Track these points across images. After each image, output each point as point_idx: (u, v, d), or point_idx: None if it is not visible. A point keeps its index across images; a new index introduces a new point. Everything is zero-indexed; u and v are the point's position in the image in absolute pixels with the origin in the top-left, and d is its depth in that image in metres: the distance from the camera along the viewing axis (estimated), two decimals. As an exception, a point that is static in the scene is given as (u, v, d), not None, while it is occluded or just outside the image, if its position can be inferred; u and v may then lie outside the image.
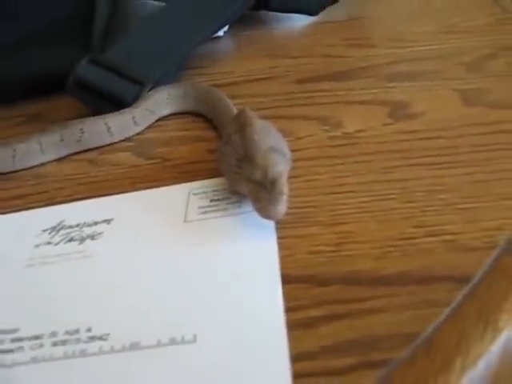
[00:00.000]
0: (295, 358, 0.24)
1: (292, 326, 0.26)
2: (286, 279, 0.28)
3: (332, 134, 0.39)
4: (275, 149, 0.32)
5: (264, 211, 0.30)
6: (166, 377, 0.24)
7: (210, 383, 0.24)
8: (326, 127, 0.40)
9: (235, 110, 0.41)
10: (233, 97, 0.44)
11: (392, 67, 0.46)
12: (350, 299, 0.27)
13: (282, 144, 0.33)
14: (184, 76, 0.49)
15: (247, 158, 0.31)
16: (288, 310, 0.26)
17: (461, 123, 0.38)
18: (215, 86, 0.48)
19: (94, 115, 0.43)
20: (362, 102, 0.42)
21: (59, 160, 0.41)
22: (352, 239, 0.30)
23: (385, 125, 0.39)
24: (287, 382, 0.23)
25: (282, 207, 0.29)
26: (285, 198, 0.30)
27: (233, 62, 0.52)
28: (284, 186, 0.30)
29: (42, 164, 0.41)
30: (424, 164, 0.35)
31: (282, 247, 0.30)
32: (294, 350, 0.24)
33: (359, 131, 0.39)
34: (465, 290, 0.26)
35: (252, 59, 0.52)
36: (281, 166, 0.31)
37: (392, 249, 0.29)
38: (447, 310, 0.25)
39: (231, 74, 0.50)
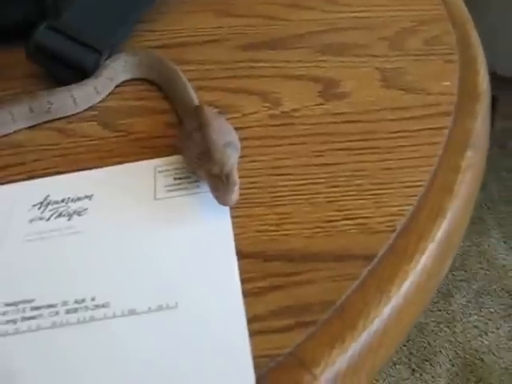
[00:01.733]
0: (249, 320, 0.38)
1: (246, 295, 0.39)
2: (240, 255, 0.41)
3: (272, 112, 0.51)
4: (228, 143, 0.44)
5: (221, 199, 0.42)
6: (157, 337, 0.37)
7: (187, 340, 0.37)
8: (267, 104, 0.51)
9: (190, 88, 0.51)
10: (181, 62, 0.55)
11: (324, 37, 0.57)
12: (287, 273, 0.40)
13: (234, 137, 0.45)
14: (132, 32, 0.58)
15: (206, 153, 0.43)
16: (242, 281, 0.39)
17: (379, 107, 0.50)
18: (163, 46, 0.58)
19: (48, 75, 0.53)
20: (297, 77, 0.54)
21: (30, 128, 0.51)
22: (289, 220, 0.43)
23: (317, 105, 0.51)
24: (245, 340, 0.36)
25: (235, 196, 0.42)
26: (237, 188, 0.42)
27: (179, 17, 0.61)
28: (236, 178, 0.42)
29: (15, 132, 0.51)
30: (347, 149, 0.47)
31: (235, 226, 0.43)
32: (248, 313, 0.38)
33: (295, 110, 0.51)
34: (368, 268, 0.40)
35: (197, 14, 0.61)
36: (233, 159, 0.43)
37: (319, 229, 0.42)
38: (355, 283, 0.39)
39: (178, 32, 0.59)
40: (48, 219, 0.44)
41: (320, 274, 0.40)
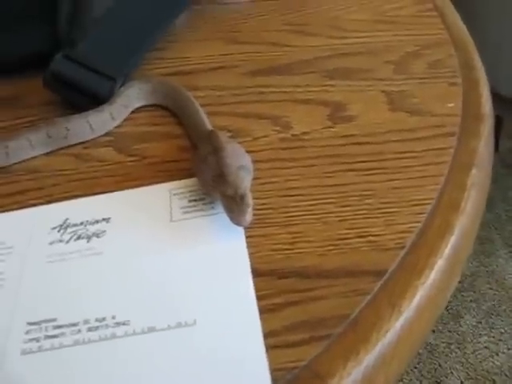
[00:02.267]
0: (265, 336, 0.39)
1: (261, 311, 0.41)
2: (255, 273, 0.43)
3: (282, 135, 0.53)
4: (242, 167, 0.46)
5: (236, 219, 0.44)
6: (176, 353, 0.39)
7: (207, 357, 0.39)
8: (278, 128, 0.54)
9: (202, 113, 0.53)
10: (192, 88, 0.57)
11: (330, 62, 0.60)
12: (302, 289, 0.42)
13: (247, 160, 0.47)
14: (143, 61, 0.61)
15: (221, 176, 0.45)
16: (258, 298, 0.41)
17: (386, 129, 0.53)
18: (174, 73, 0.60)
19: (65, 102, 0.55)
20: (306, 101, 0.56)
21: (47, 154, 0.53)
22: (302, 239, 0.45)
23: (325, 128, 0.53)
24: (262, 354, 0.38)
25: (249, 217, 0.44)
26: (251, 209, 0.44)
27: (188, 46, 0.64)
28: (250, 199, 0.44)
29: (33, 158, 0.53)
30: (357, 170, 0.49)
31: (249, 245, 0.45)
32: (264, 329, 0.40)
33: (305, 133, 0.53)
34: (380, 283, 0.42)
35: (205, 43, 0.64)
36: (246, 181, 0.45)
37: (331, 247, 0.44)
38: (368, 298, 0.41)
39: (188, 60, 0.62)
40: (68, 242, 0.46)
41: (333, 289, 0.42)
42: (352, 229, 0.45)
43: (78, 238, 0.46)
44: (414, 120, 0.53)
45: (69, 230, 0.47)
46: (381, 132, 0.53)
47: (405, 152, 0.51)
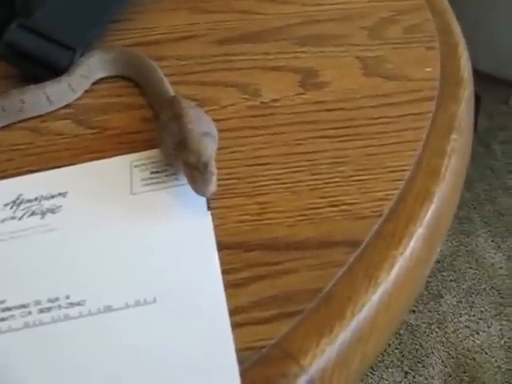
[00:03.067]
0: (231, 312, 0.35)
1: (228, 286, 0.36)
2: (220, 246, 0.38)
3: (251, 103, 0.48)
4: (206, 133, 0.41)
5: (199, 190, 0.39)
6: (135, 333, 0.34)
7: (167, 335, 0.34)
8: (246, 96, 0.49)
9: (166, 82, 0.49)
10: (157, 58, 0.52)
11: (303, 29, 0.55)
12: (270, 262, 0.37)
13: (211, 127, 0.42)
14: (107, 31, 0.56)
15: (183, 143, 0.40)
16: (223, 272, 0.37)
17: (360, 94, 0.48)
18: (139, 44, 0.55)
19: (23, 75, 0.50)
20: (276, 68, 0.51)
21: (2, 128, 0.49)
22: (271, 209, 0.40)
23: (296, 94, 0.49)
24: (228, 333, 0.34)
25: (212, 186, 0.39)
26: (215, 178, 0.39)
27: (154, 16, 0.59)
28: (214, 168, 0.40)
29: (-14, 132, 0.48)
30: (329, 136, 0.45)
31: (214, 217, 0.40)
32: (230, 305, 0.35)
33: (275, 100, 0.48)
34: (355, 254, 0.37)
35: (172, 12, 0.59)
36: (210, 149, 0.41)
37: (302, 217, 0.40)
38: (342, 270, 0.37)
39: (153, 30, 0.57)
40: (20, 218, 0.42)
41: (305, 262, 0.37)
42: (324, 197, 0.41)
43: (32, 214, 0.42)
44: (389, 85, 0.49)
45: (22, 206, 0.42)
46: (354, 98, 0.48)
47: (379, 118, 0.46)
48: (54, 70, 0.51)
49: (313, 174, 0.42)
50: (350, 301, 0.36)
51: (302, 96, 0.49)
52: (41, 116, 0.49)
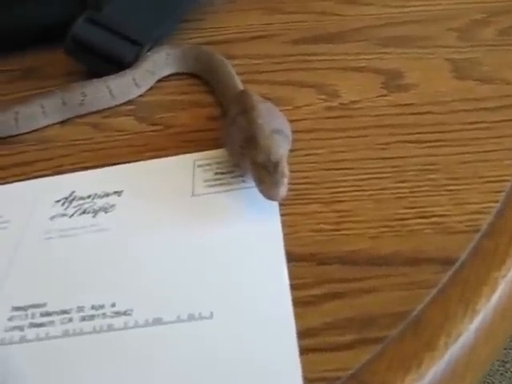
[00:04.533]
0: (300, 335, 0.28)
1: (297, 304, 0.30)
2: (290, 257, 0.32)
3: (329, 104, 0.42)
4: (277, 131, 0.35)
5: (267, 192, 0.33)
6: (186, 351, 0.28)
7: (225, 357, 0.28)
8: (323, 96, 0.43)
9: (236, 77, 0.43)
10: (228, 57, 0.47)
11: (384, 30, 0.49)
12: (348, 278, 0.31)
13: (284, 124, 0.36)
14: (177, 31, 0.51)
15: (251, 140, 0.34)
16: (292, 287, 0.30)
17: (451, 98, 0.41)
18: (210, 43, 0.50)
19: (90, 72, 0.45)
20: (357, 69, 0.45)
21: (62, 123, 0.44)
22: (350, 218, 0.34)
23: (379, 96, 0.42)
24: (295, 358, 0.27)
25: (283, 189, 0.33)
26: (286, 180, 0.33)
27: (227, 16, 0.53)
28: (285, 169, 0.33)
29: (45, 127, 0.44)
30: (416, 141, 0.38)
31: (284, 224, 0.34)
32: (299, 326, 0.29)
33: (355, 102, 0.42)
34: (449, 273, 0.30)
35: (246, 13, 0.53)
36: (282, 149, 0.34)
37: (386, 229, 0.33)
38: (433, 292, 0.30)
39: (225, 29, 0.52)
40: (71, 216, 0.36)
41: (389, 280, 0.30)
42: (411, 208, 0.34)
43: (84, 212, 0.36)
44: (484, 89, 0.42)
45: (74, 203, 0.37)
46: (445, 101, 0.41)
47: (474, 123, 0.39)
48: (119, 65, 0.46)
49: (398, 182, 0.35)
50: (442, 329, 0.28)
51: (385, 98, 0.42)
52: (102, 111, 0.44)
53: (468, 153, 0.37)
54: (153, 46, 0.47)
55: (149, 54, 0.46)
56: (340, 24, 0.50)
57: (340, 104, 0.42)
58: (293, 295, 0.30)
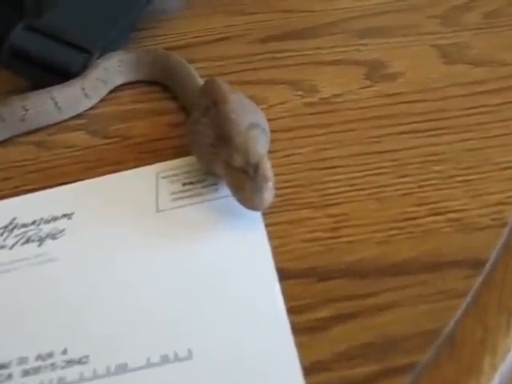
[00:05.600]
0: (307, 371, 0.21)
1: (297, 331, 0.23)
2: (282, 274, 0.25)
3: (307, 99, 0.36)
4: (254, 125, 0.28)
5: (248, 201, 0.26)
6: (163, 404, 0.21)
7: (213, 407, 0.21)
8: (300, 92, 0.36)
9: (198, 78, 0.37)
10: (189, 61, 0.40)
11: (360, 22, 0.43)
12: (357, 295, 0.24)
13: (261, 117, 0.30)
14: (130, 40, 0.44)
15: (224, 139, 0.28)
16: (290, 311, 0.24)
17: (444, 83, 0.35)
18: (168, 49, 0.43)
19: (35, 89, 0.39)
20: (333, 62, 0.39)
21: (1, 144, 0.36)
22: (349, 222, 0.27)
23: (363, 88, 0.36)
24: (305, 403, 0.20)
25: (268, 195, 0.26)
26: (270, 184, 0.26)
27: (184, 22, 0.47)
28: (268, 171, 0.27)
29: (-18, 149, 0.36)
30: (412, 131, 0.32)
31: (271, 236, 0.27)
32: (304, 359, 0.22)
33: (337, 96, 0.36)
34: (480, 277, 0.24)
35: (205, 17, 0.47)
36: (262, 147, 0.28)
37: (395, 232, 0.26)
38: (465, 301, 0.23)
39: (184, 35, 0.45)
40: (12, 247, 0.29)
41: (408, 292, 0.24)
42: (421, 204, 0.28)
43: (27, 241, 0.29)
44: (479, 72, 0.36)
45: (15, 231, 0.30)
46: (438, 87, 0.35)
47: (475, 107, 0.33)
48: (65, 76, 0.39)
49: (400, 177, 0.29)
50: (484, 346, 0.22)
51: (370, 89, 0.36)
52: (47, 127, 0.37)
53: (473, 139, 0.31)
54: (102, 55, 0.40)
55: (99, 61, 0.39)
56: (309, 20, 0.44)
57: (321, 99, 0.36)
58: (291, 321, 0.23)
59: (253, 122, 0.28)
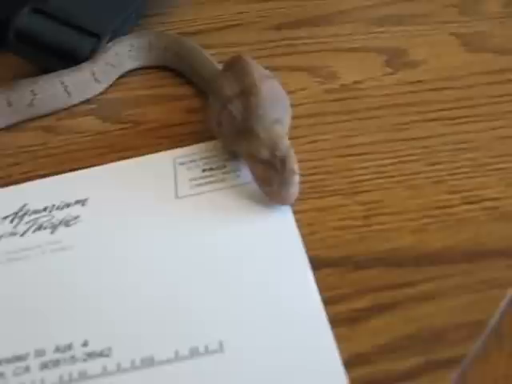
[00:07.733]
0: (348, 364, 0.20)
1: (335, 322, 0.21)
2: (316, 263, 0.24)
3: (328, 86, 0.34)
4: (278, 120, 0.27)
5: (276, 195, 0.25)
6: (195, 399, 0.19)
7: (248, 402, 0.19)
8: (319, 79, 0.35)
9: (216, 63, 0.35)
10: (202, 47, 0.38)
11: (375, 10, 0.41)
12: (396, 284, 0.23)
13: (286, 109, 0.28)
14: (141, 26, 0.43)
15: (249, 132, 0.26)
16: (326, 302, 0.22)
17: (468, 71, 0.34)
18: (179, 35, 0.42)
19: (43, 74, 0.37)
20: (351, 50, 0.37)
21: (8, 129, 0.35)
22: (381, 210, 0.26)
23: (385, 75, 0.35)
24: (349, 398, 0.19)
25: (295, 189, 0.25)
26: (297, 178, 0.25)
27: (196, 8, 0.45)
28: (295, 164, 0.25)
29: (-12, 134, 0.35)
30: (440, 119, 0.31)
31: (300, 224, 0.25)
32: (344, 352, 0.20)
33: (358, 82, 0.34)
34: (528, 267, 0.22)
35: (216, 4, 0.46)
36: (285, 139, 0.26)
37: (429, 220, 0.25)
38: (511, 291, 0.22)
39: (195, 21, 0.43)
40: (23, 234, 0.27)
41: (450, 281, 0.22)
42: (454, 192, 0.26)
43: (39, 228, 0.27)
44: (505, 60, 0.35)
45: (26, 218, 0.28)
46: (462, 75, 0.34)
47: (503, 95, 0.32)
48: (74, 61, 0.37)
49: (431, 164, 0.28)
50: (535, 340, 0.21)
51: (393, 76, 0.34)
52: (56, 112, 0.35)
53: (503, 127, 0.30)
54: (111, 40, 0.39)
55: (109, 45, 0.38)
56: (323, 7, 0.43)
57: (342, 86, 0.34)
58: (328, 312, 0.22)
59: (277, 117, 0.27)
